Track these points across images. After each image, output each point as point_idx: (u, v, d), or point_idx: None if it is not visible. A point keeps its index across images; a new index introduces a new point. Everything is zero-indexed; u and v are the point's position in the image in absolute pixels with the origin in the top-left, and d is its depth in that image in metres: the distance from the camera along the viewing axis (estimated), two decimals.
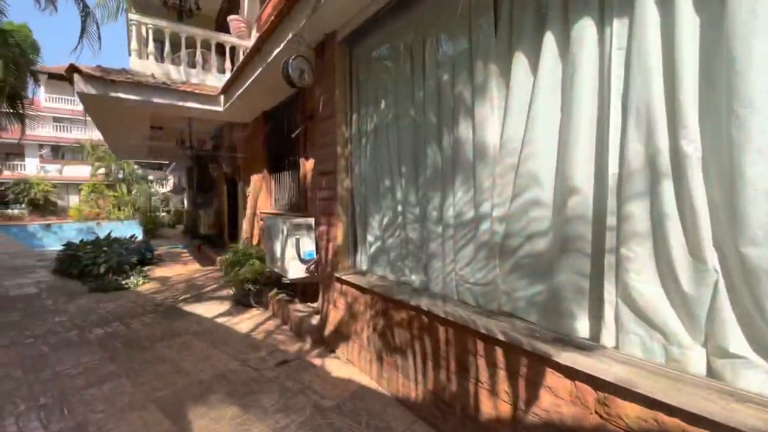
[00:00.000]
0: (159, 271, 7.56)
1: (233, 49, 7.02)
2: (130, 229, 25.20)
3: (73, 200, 27.62)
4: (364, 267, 3.25)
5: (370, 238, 3.10)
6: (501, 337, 1.81)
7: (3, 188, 24.98)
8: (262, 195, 6.55)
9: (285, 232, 3.97)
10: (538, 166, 1.79)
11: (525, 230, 1.87)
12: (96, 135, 28.79)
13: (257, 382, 2.89)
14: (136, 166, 27.50)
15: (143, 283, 6.42)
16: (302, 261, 3.99)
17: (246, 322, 4.33)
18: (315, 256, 4.07)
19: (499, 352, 1.86)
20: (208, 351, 3.50)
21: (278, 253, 4.18)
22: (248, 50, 4.44)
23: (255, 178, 6.90)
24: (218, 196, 10.21)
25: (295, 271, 3.97)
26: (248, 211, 7.39)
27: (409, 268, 2.68)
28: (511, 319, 1.94)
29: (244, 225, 7.65)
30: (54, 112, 28.95)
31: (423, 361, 2.33)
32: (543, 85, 1.76)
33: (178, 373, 3.06)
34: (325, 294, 3.58)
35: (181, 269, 7.83)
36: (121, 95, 5.28)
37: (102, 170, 26.48)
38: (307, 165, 4.67)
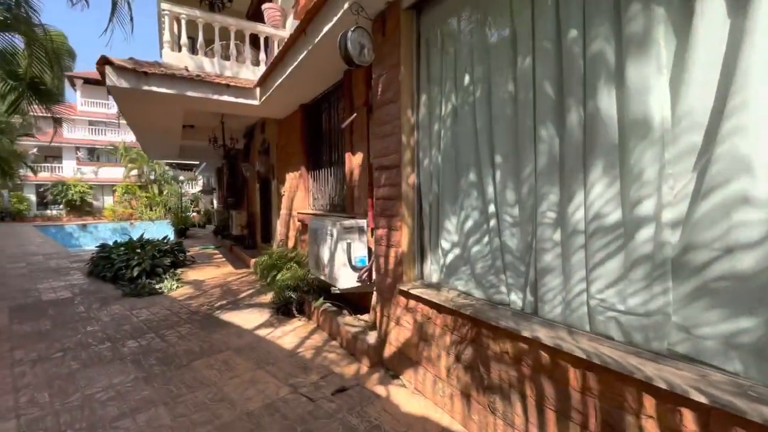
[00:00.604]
0: (192, 274, 7.29)
1: (267, 40, 6.64)
2: (161, 229, 25.71)
3: (108, 201, 28.43)
4: (435, 279, 2.73)
5: (444, 244, 2.57)
6: (693, 395, 1.24)
7: (42, 190, 25.92)
8: (298, 194, 6.14)
9: (334, 235, 3.49)
10: (750, 146, 1.22)
11: (722, 240, 1.29)
12: (129, 137, 29.58)
13: (315, 417, 2.41)
14: (167, 167, 28.00)
15: (177, 287, 6.13)
16: (353, 268, 3.51)
17: (290, 335, 3.88)
18: (367, 263, 3.58)
19: (686, 417, 1.29)
20: (253, 372, 3.06)
21: (325, 259, 3.72)
22: (290, 36, 3.99)
23: (291, 177, 6.49)
24: (250, 196, 9.93)
25: (346, 279, 3.49)
26: (283, 212, 7.01)
27: (505, 284, 2.14)
28: (693, 366, 1.36)
29: (279, 226, 7.28)
30: (89, 115, 29.89)
31: (539, 410, 1.78)
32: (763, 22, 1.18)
33: (222, 401, 2.63)
34: (383, 308, 3.08)
35: (215, 272, 7.54)
36: (154, 88, 4.96)
37: (135, 171, 27.10)
38: (354, 160, 4.19)
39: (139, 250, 7.30)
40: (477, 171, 2.28)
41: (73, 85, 31.08)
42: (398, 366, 2.87)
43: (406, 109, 2.78)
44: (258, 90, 5.70)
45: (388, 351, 3.00)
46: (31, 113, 16.64)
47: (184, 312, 4.82)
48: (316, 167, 5.70)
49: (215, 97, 5.40)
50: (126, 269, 6.61)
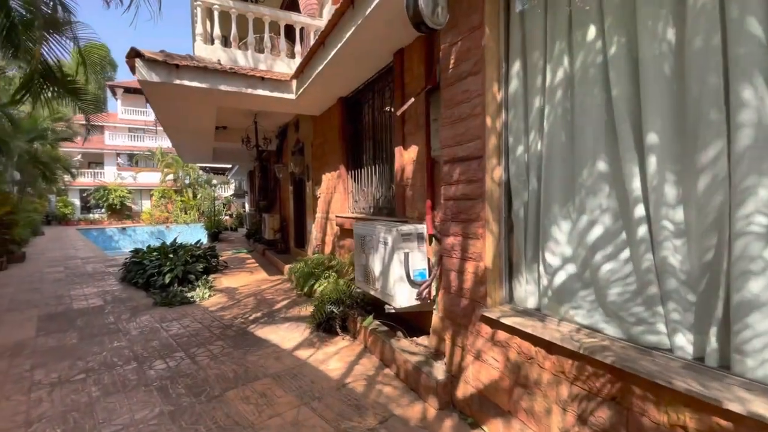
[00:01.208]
0: (225, 281, 6.94)
1: (302, 31, 6.20)
2: (195, 232, 26.13)
3: (146, 205, 29.31)
4: (532, 303, 2.09)
5: (550, 258, 1.93)
6: None
7: (86, 194, 26.99)
8: (336, 196, 5.63)
9: (389, 243, 2.92)
10: None
11: None
12: (165, 143, 30.44)
13: None
14: (200, 172, 28.60)
15: (209, 295, 5.76)
16: (412, 284, 2.92)
17: (334, 359, 3.34)
18: (427, 277, 2.98)
19: None
20: (297, 410, 2.52)
21: (376, 271, 3.15)
22: (335, 12, 3.46)
23: (327, 178, 6.00)
24: (283, 199, 9.58)
25: (404, 297, 2.90)
26: (318, 215, 6.53)
27: (664, 321, 1.48)
28: None
29: (314, 230, 6.81)
30: (129, 123, 31.02)
31: None
32: None
33: None
34: (455, 335, 2.47)
35: (247, 278, 7.17)
36: (186, 82, 4.59)
37: (170, 176, 27.80)
38: (406, 155, 3.60)
39: (171, 256, 7.03)
40: (610, 158, 1.64)
41: (114, 94, 32.44)
42: (479, 413, 2.25)
43: (491, 83, 2.17)
44: (294, 83, 5.25)
45: (464, 391, 2.38)
46: (75, 121, 17.22)
47: (216, 325, 4.38)
48: (356, 166, 5.17)
49: (249, 91, 4.99)
50: (158, 276, 6.32)
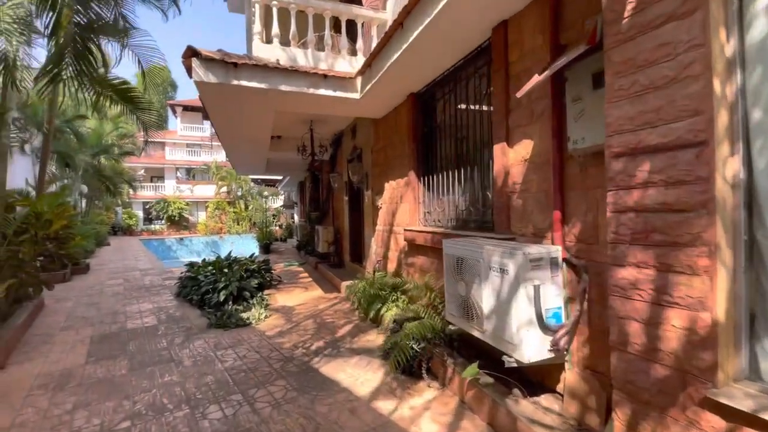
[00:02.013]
0: (280, 298, 6.45)
1: (364, 27, 5.66)
2: (246, 242, 26.69)
3: (201, 216, 30.52)
4: None
5: None
6: None
7: (148, 206, 28.57)
8: (403, 207, 4.94)
9: (510, 271, 2.14)
10: None
11: None
12: (221, 157, 31.71)
13: None
14: (252, 184, 29.39)
15: (265, 316, 5.24)
16: (545, 329, 2.11)
17: (425, 418, 2.59)
18: (563, 320, 2.17)
19: None
20: None
21: (484, 307, 2.37)
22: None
23: (392, 186, 5.33)
24: (336, 209, 9.08)
25: (533, 347, 2.11)
26: (380, 228, 5.87)
27: None
28: None
29: (374, 244, 6.16)
30: (187, 139, 32.71)
31: None
32: None
33: None
34: (638, 418, 1.63)
35: (303, 296, 6.64)
36: (244, 83, 4.14)
37: (224, 189, 28.79)
38: (512, 154, 2.82)
39: (226, 270, 6.67)
40: None
41: (174, 112, 34.52)
42: None
43: (717, 28, 1.36)
44: (359, 80, 4.66)
45: None
46: (138, 137, 18.22)
47: (275, 357, 3.80)
48: (430, 171, 4.46)
49: (311, 91, 4.46)
50: (212, 292, 5.94)
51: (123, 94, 5.45)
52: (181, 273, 7.30)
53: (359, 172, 6.38)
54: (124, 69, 72.71)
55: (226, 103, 4.78)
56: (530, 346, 2.09)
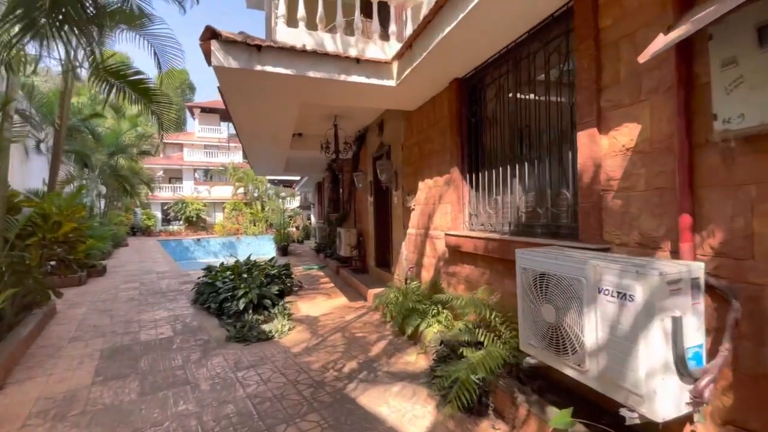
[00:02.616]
0: (303, 306, 5.98)
1: (396, 9, 5.14)
2: (263, 243, 26.52)
3: (218, 217, 30.53)
4: None
5: None
6: None
7: (166, 207, 28.69)
8: (442, 208, 4.40)
9: (638, 297, 1.58)
10: None
11: None
12: (237, 158, 31.68)
13: None
14: (268, 185, 29.24)
15: (289, 328, 4.76)
16: (685, 375, 1.54)
17: None
18: (704, 362, 1.59)
19: None
20: None
21: (586, 340, 1.81)
22: None
23: (428, 185, 4.80)
24: (359, 211, 8.58)
25: (670, 401, 1.54)
26: (412, 231, 5.34)
27: None
28: None
29: (404, 249, 5.62)
30: (205, 140, 32.83)
31: None
32: None
33: None
34: None
35: (326, 304, 6.16)
36: (269, 68, 3.67)
37: (241, 189, 28.72)
38: (606, 142, 2.27)
39: (245, 275, 6.25)
40: None
41: (192, 114, 34.75)
42: None
43: None
44: (395, 65, 4.15)
45: None
46: (157, 139, 18.12)
47: (304, 381, 3.30)
48: (478, 168, 3.91)
49: (342, 77, 3.96)
50: (231, 300, 5.51)
51: (139, 87, 5.06)
52: (198, 278, 6.91)
53: (387, 170, 5.86)
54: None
55: (247, 93, 4.33)
56: (666, 399, 1.52)
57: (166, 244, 21.63)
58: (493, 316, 2.98)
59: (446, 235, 4.18)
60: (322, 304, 6.16)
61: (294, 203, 28.81)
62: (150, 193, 19.19)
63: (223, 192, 30.79)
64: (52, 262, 5.08)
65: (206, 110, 33.83)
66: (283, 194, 25.86)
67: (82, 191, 8.01)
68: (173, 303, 6.48)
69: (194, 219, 28.64)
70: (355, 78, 4.02)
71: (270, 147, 7.75)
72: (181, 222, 28.74)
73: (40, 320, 4.89)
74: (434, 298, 4.09)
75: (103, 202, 14.67)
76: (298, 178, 20.03)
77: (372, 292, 6.02)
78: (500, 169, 3.52)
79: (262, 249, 27.69)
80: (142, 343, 4.47)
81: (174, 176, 31.47)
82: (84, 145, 9.09)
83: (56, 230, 4.51)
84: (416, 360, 3.69)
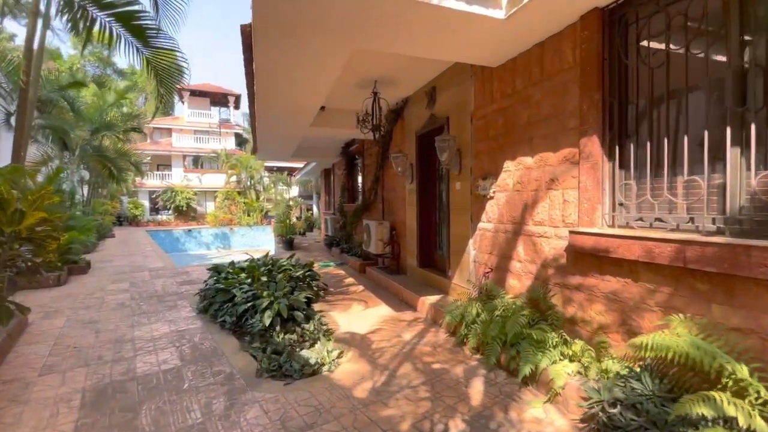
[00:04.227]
0: (339, 318, 4.80)
1: None
2: (258, 235, 25.13)
3: (210, 207, 28.95)
4: None
5: None
6: None
7: (154, 196, 27.01)
8: (556, 195, 3.22)
9: None
10: None
11: None
12: (229, 144, 30.02)
13: None
14: (264, 173, 27.73)
15: (336, 355, 3.56)
16: None
17: None
18: None
19: None
20: None
21: None
22: None
23: (525, 165, 3.60)
24: (390, 199, 7.35)
25: None
26: (488, 226, 4.16)
27: None
28: None
29: (473, 248, 4.44)
30: (195, 125, 31.00)
31: None
32: None
33: None
34: None
35: (366, 315, 4.98)
36: None
37: (234, 177, 27.15)
38: None
39: (264, 278, 5.02)
40: None
41: (181, 98, 32.77)
42: None
43: None
44: None
45: None
46: (147, 123, 16.37)
47: None
48: (628, 138, 2.73)
49: (434, 1, 2.71)
50: (252, 313, 4.29)
51: (131, 24, 3.71)
52: (205, 281, 5.65)
53: (450, 148, 4.64)
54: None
55: (289, 28, 3.04)
56: None
57: (155, 235, 20.12)
58: (747, 377, 1.81)
59: (572, 233, 3.00)
60: (362, 315, 4.98)
61: (292, 192, 27.38)
62: (138, 179, 17.57)
63: (214, 180, 29.16)
64: (16, 267, 3.77)
65: (196, 93, 31.96)
66: (282, 183, 24.42)
67: (60, 173, 6.61)
68: (174, 312, 5.21)
69: (184, 208, 27.03)
70: (450, 2, 2.76)
71: (289, 122, 6.45)
72: (170, 211, 27.11)
73: (3, 339, 3.62)
74: (548, 320, 2.92)
75: (86, 188, 13.14)
76: (300, 165, 18.64)
77: (425, 301, 4.85)
78: (681, 136, 2.35)
79: (258, 241, 26.35)
80: (140, 378, 3.23)
81: (162, 163, 29.65)
82: (61, 120, 7.67)
83: (17, 222, 3.20)
84: (547, 415, 2.54)
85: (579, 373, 2.68)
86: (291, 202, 18.32)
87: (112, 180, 11.61)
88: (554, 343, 2.90)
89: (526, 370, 2.81)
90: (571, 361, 2.78)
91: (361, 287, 6.59)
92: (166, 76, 4.68)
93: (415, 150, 5.96)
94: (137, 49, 3.98)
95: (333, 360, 3.46)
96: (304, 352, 3.58)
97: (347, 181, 10.96)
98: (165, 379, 3.19)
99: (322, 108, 6.68)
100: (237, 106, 34.22)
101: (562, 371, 2.68)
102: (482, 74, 4.22)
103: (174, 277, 7.77)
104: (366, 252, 8.25)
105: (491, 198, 4.11)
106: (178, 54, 4.36)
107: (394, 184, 7.10)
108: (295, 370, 3.23)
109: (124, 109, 14.18)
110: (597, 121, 2.86)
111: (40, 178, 8.17)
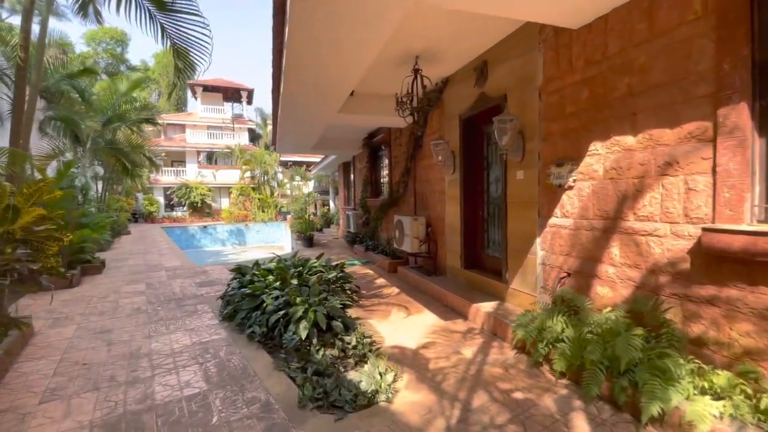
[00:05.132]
0: (380, 327, 4.20)
1: None
2: (274, 230, 24.75)
3: (224, 203, 28.68)
4: None
5: None
6: None
7: (169, 192, 26.82)
8: (675, 184, 2.55)
9: None
10: None
11: None
12: (243, 140, 29.64)
13: None
14: (278, 168, 27.32)
15: (393, 377, 2.96)
16: None
17: None
18: None
19: None
20: None
21: None
22: None
23: (624, 147, 2.94)
24: (425, 194, 6.70)
25: None
26: (564, 221, 3.54)
27: None
28: None
29: (540, 248, 3.77)
30: (208, 121, 30.67)
31: None
32: None
33: None
34: None
35: (410, 323, 4.38)
36: None
37: (248, 173, 26.78)
38: None
39: (295, 282, 4.44)
40: None
41: (194, 93, 32.49)
42: None
43: None
44: None
45: None
46: (162, 119, 15.87)
47: None
48: None
49: None
50: (286, 322, 3.71)
51: None
52: (228, 286, 5.11)
53: (510, 130, 3.96)
54: (140, 51, 71.07)
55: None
56: None
57: (171, 232, 19.88)
58: None
59: (707, 230, 2.31)
60: (406, 324, 4.37)
61: (307, 188, 26.90)
62: (152, 176, 17.20)
63: (228, 176, 28.84)
64: (17, 272, 3.24)
65: (209, 89, 31.63)
66: (298, 177, 23.93)
67: (71, 167, 6.13)
68: (195, 319, 4.68)
69: (199, 205, 26.79)
70: None
71: (316, 108, 5.84)
72: (185, 208, 26.89)
73: (3, 353, 3.11)
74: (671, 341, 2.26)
75: (100, 184, 12.78)
76: (317, 159, 18.10)
77: (479, 308, 4.22)
78: None
79: (272, 237, 26.00)
80: (159, 407, 2.67)
81: (176, 159, 29.43)
82: (71, 111, 7.21)
83: (10, 221, 2.66)
84: None
85: (731, 415, 2.02)
86: (309, 198, 17.78)
87: (126, 175, 11.17)
88: (682, 372, 2.24)
89: (654, 409, 2.15)
90: (715, 397, 2.12)
91: (395, 289, 5.98)
92: (184, 46, 4.08)
93: (459, 135, 5.29)
94: (150, 16, 3.40)
95: (386, 385, 2.85)
96: (352, 375, 2.99)
97: (370, 175, 10.34)
98: (189, 410, 2.62)
99: (351, 93, 6.05)
100: (250, 102, 33.82)
101: (705, 412, 2.03)
102: (556, 40, 3.53)
103: (192, 278, 7.27)
104: (394, 250, 7.64)
105: (569, 188, 3.44)
106: (198, 19, 3.76)
107: (429, 176, 6.44)
108: (347, 400, 2.63)
109: (137, 105, 13.77)
110: (745, 85, 2.17)
111: (50, 173, 7.75)
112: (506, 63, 4.26)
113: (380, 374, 2.95)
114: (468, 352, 3.53)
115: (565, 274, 3.49)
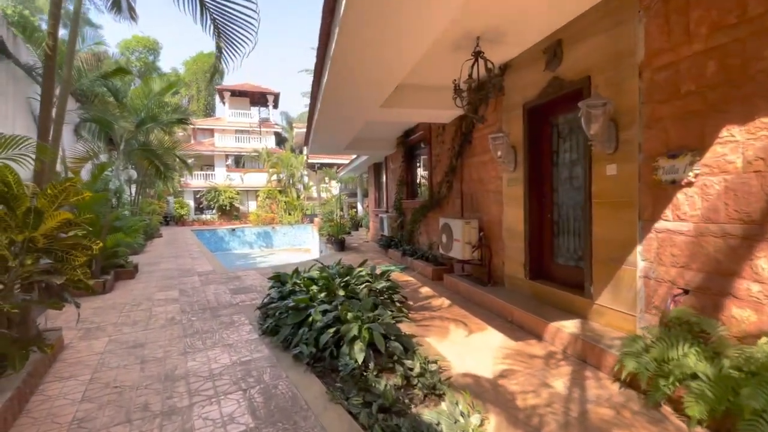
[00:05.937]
0: (440, 348, 3.64)
1: None
2: (300, 233, 24.62)
3: (252, 206, 28.84)
4: None
5: None
6: None
7: (199, 196, 27.18)
8: None
9: None
10: None
11: None
12: (269, 144, 29.77)
13: None
14: (304, 171, 27.26)
15: (477, 422, 2.39)
16: None
17: None
18: None
19: None
20: None
21: None
22: None
23: None
24: (477, 194, 6.09)
25: None
26: (681, 226, 3.09)
27: None
28: None
29: (642, 259, 3.09)
30: (235, 125, 31.00)
31: None
32: None
33: None
34: None
35: (475, 344, 3.80)
36: None
37: (275, 176, 26.82)
38: None
39: (341, 293, 3.95)
40: None
41: (222, 98, 32.97)
42: None
43: None
44: None
45: None
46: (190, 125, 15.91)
47: None
48: None
49: None
50: (337, 341, 3.21)
51: None
52: (268, 296, 4.68)
53: (602, 115, 3.33)
54: (170, 60, 73.24)
55: None
56: None
57: (201, 234, 19.99)
58: None
59: None
60: (470, 344, 3.80)
61: (334, 190, 26.68)
62: (183, 179, 17.27)
63: (256, 179, 28.99)
64: (45, 283, 2.87)
65: (236, 93, 32.06)
66: (327, 179, 23.70)
67: (105, 169, 5.87)
68: (232, 332, 4.25)
69: (227, 208, 27.04)
70: None
71: (358, 102, 5.37)
72: (213, 211, 27.19)
73: (27, 375, 2.74)
74: None
75: (133, 188, 12.80)
76: (345, 161, 17.77)
77: (561, 328, 3.59)
78: None
79: (299, 240, 25.89)
80: None
81: (206, 163, 29.86)
82: (105, 111, 7.06)
83: (32, 226, 2.27)
84: None
85: None
86: (339, 200, 17.44)
87: (159, 178, 11.10)
88: None
89: None
90: None
91: (445, 301, 5.41)
92: (226, 22, 3.67)
93: (523, 127, 4.68)
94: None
95: (468, 425, 2.29)
96: (427, 415, 2.44)
97: (406, 175, 9.81)
98: None
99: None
100: (276, 105, 34.02)
101: None
102: (665, 4, 2.89)
103: (225, 284, 6.93)
104: (436, 255, 7.07)
105: (688, 185, 2.79)
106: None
107: (482, 174, 5.84)
108: None
109: (168, 109, 13.78)
110: None
111: (84, 176, 7.63)
112: (589, 40, 3.64)
113: (463, 415, 2.39)
114: (558, 384, 2.92)
115: (681, 291, 2.83)
